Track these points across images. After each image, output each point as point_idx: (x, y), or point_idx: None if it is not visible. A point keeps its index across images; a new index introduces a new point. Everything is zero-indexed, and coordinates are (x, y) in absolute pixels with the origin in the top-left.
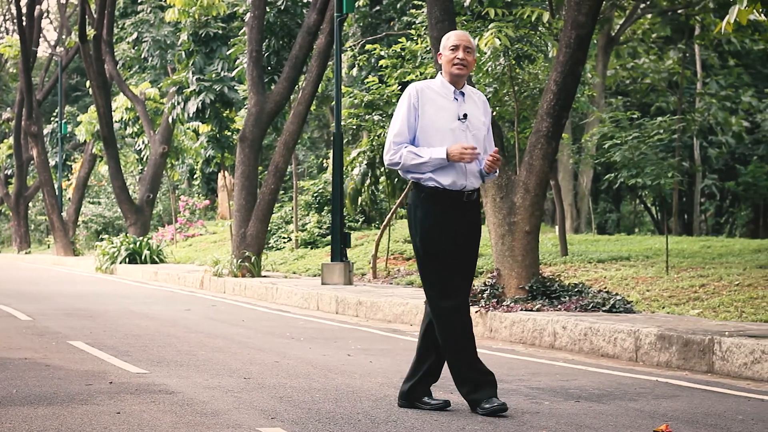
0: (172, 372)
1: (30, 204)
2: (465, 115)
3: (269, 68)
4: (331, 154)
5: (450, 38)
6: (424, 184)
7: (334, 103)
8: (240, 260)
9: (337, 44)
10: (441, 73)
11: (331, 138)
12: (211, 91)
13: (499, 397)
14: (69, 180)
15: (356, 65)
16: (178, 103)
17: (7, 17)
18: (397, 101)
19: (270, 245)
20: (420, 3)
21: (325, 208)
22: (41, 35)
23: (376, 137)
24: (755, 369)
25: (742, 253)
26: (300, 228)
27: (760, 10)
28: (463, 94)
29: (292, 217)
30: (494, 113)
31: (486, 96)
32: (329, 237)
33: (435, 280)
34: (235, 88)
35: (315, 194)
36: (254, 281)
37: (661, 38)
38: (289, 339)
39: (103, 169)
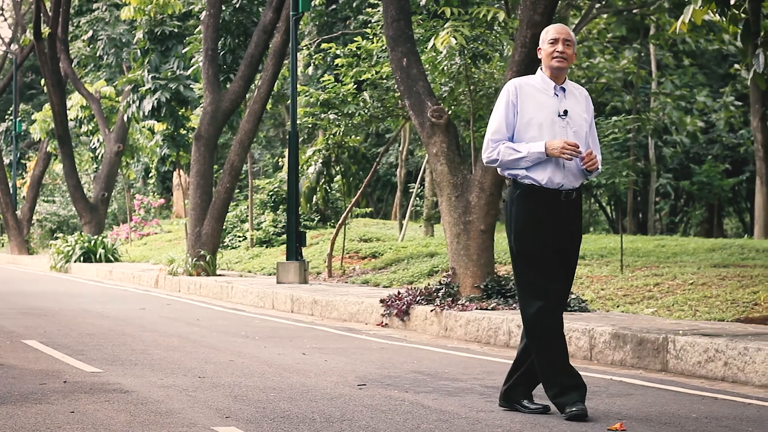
0: (127, 371)
1: None
2: (565, 112)
3: (225, 67)
4: (286, 153)
5: (549, 32)
6: (521, 181)
7: (289, 101)
8: (195, 259)
9: (293, 43)
10: (541, 68)
11: (287, 137)
12: (167, 90)
13: (585, 402)
14: (23, 178)
15: (312, 64)
16: (134, 102)
17: None
18: (353, 100)
19: (225, 244)
20: (376, 2)
21: (281, 206)
22: None
23: (332, 136)
24: (709, 368)
25: (697, 252)
26: (255, 227)
27: (715, 10)
28: (564, 89)
29: (247, 216)
30: (449, 112)
31: (441, 95)
32: (284, 236)
33: (525, 281)
34: (191, 86)
35: (270, 193)
36: (209, 280)
37: (616, 38)
38: (244, 338)
39: (57, 167)
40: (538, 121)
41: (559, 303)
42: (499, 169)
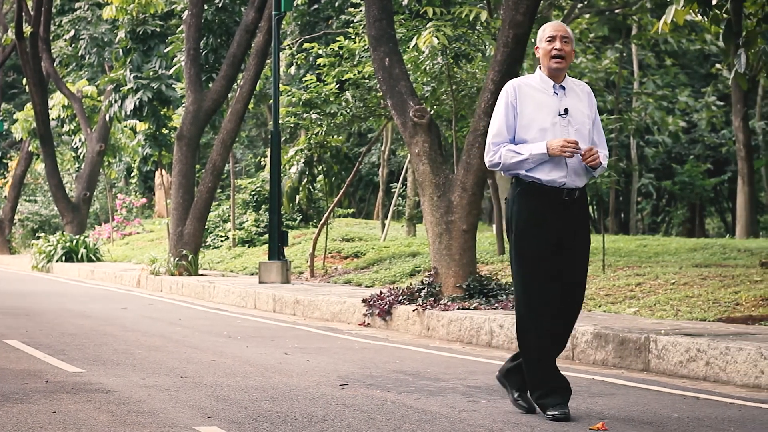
0: (109, 371)
1: None
2: (566, 110)
3: (207, 66)
4: (268, 153)
5: (546, 30)
6: (522, 178)
7: (271, 101)
8: (177, 259)
9: (275, 42)
10: (539, 67)
11: (269, 136)
12: (149, 89)
13: (567, 405)
14: (5, 178)
15: (294, 63)
16: (116, 101)
17: None
18: (335, 100)
19: (207, 244)
20: (358, 1)
21: (263, 206)
22: None
23: (314, 135)
24: (690, 367)
25: (678, 251)
26: (237, 226)
27: (697, 10)
28: (563, 87)
29: (229, 216)
30: (432, 112)
31: (423, 95)
32: (267, 235)
33: (522, 280)
34: (173, 86)
35: (252, 193)
36: (191, 280)
37: (598, 38)
38: (227, 338)
39: (39, 167)
40: (539, 122)
41: (565, 304)
42: (502, 172)
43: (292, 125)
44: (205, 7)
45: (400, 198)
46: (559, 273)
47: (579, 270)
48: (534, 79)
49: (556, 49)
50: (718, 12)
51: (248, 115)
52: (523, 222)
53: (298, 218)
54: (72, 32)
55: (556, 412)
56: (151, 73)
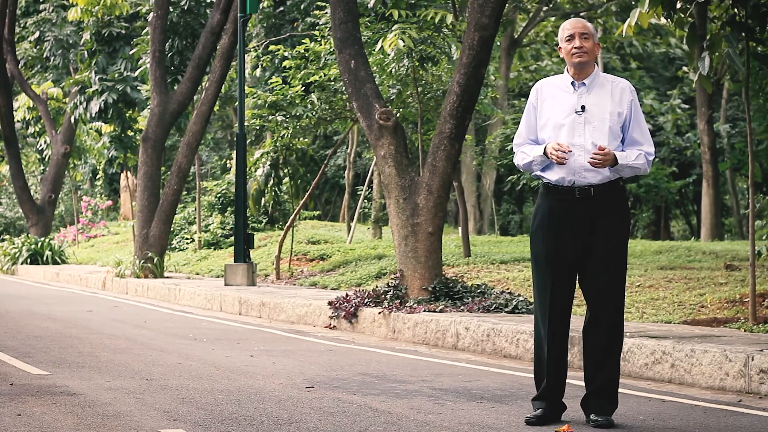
0: (74, 373)
1: None
2: (583, 108)
3: (172, 68)
4: (234, 155)
5: (564, 29)
6: (539, 179)
7: (237, 103)
8: (142, 261)
9: (241, 45)
10: (567, 67)
11: (235, 138)
12: (114, 91)
13: (546, 412)
14: None
15: (260, 66)
16: (81, 103)
17: None
18: (301, 102)
19: (173, 246)
20: (323, 4)
21: (229, 208)
22: None
23: (280, 138)
24: (656, 369)
25: (644, 254)
26: (203, 229)
27: (661, 13)
28: (585, 84)
29: (195, 218)
30: (398, 115)
31: (389, 97)
32: (232, 238)
33: (535, 282)
34: (138, 88)
35: (218, 195)
36: (157, 282)
37: None
38: (192, 340)
39: (4, 169)
40: (554, 120)
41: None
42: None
43: (257, 127)
44: (171, 9)
45: (365, 200)
46: (570, 280)
47: (602, 299)
48: (560, 77)
49: (576, 47)
50: (683, 15)
51: (214, 118)
52: (537, 224)
53: (264, 221)
54: (37, 34)
55: (529, 416)
56: (117, 75)
